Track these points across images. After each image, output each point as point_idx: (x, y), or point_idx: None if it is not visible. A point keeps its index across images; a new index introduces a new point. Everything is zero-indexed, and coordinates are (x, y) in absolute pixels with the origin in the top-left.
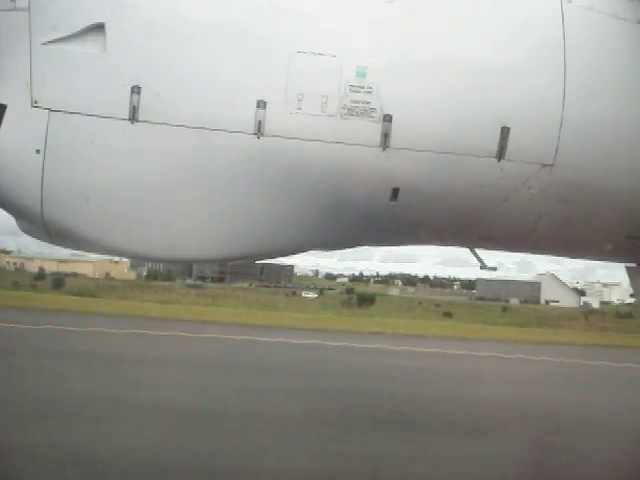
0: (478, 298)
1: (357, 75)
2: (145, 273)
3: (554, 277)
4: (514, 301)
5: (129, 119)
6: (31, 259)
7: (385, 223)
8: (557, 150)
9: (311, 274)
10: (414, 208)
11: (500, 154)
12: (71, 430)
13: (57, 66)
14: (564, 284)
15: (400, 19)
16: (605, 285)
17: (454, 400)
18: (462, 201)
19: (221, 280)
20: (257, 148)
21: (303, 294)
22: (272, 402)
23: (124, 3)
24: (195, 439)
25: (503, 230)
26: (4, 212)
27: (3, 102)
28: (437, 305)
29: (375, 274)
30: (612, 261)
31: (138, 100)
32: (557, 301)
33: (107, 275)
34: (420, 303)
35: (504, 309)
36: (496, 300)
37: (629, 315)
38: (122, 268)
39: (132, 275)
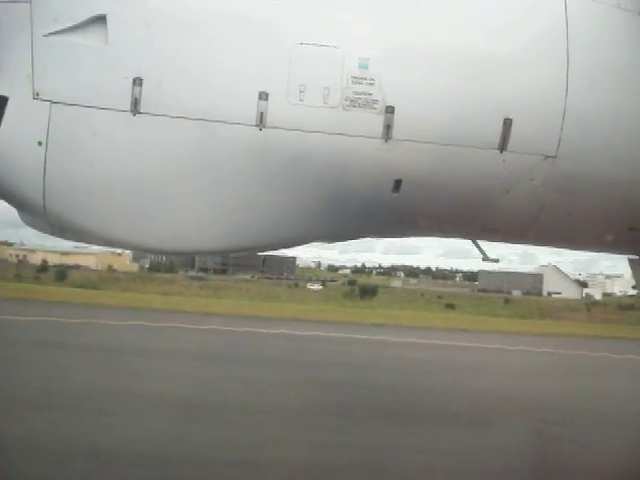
0: (480, 290)
1: (359, 67)
2: (147, 265)
3: (556, 269)
4: (516, 293)
5: (131, 111)
6: (34, 251)
7: (387, 214)
8: (560, 141)
9: (313, 266)
10: (416, 199)
11: (502, 145)
12: (74, 422)
13: (59, 58)
14: (566, 276)
15: (402, 10)
16: (607, 277)
17: (460, 392)
18: (464, 192)
19: (223, 272)
20: (259, 140)
21: (308, 286)
22: (275, 394)
23: None
24: (197, 430)
25: (505, 222)
26: (6, 204)
27: (5, 94)
28: (439, 297)
29: (377, 266)
30: (614, 253)
31: (140, 92)
32: (559, 293)
33: (110, 267)
34: (422, 295)
35: (506, 301)
36: (498, 292)
37: (631, 307)
38: (124, 260)
39: (134, 267)
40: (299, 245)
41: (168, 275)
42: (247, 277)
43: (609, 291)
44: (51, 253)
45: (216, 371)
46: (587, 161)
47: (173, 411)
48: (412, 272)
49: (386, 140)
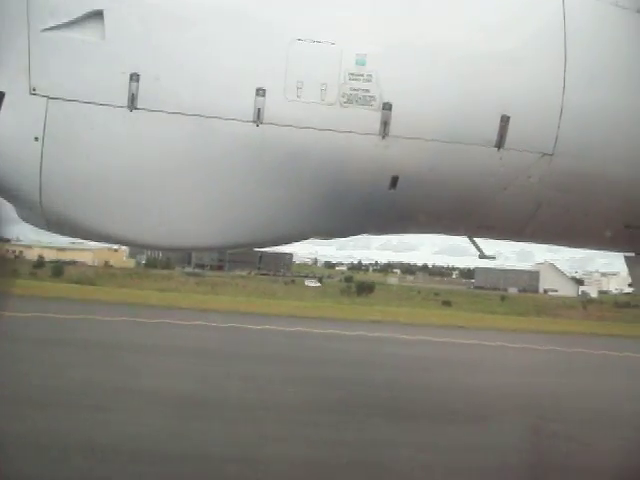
0: (477, 287)
1: (356, 63)
2: (144, 261)
3: (553, 266)
4: (512, 290)
5: (128, 106)
6: (30, 247)
7: (384, 211)
8: (557, 139)
9: (310, 262)
10: (413, 196)
11: (500, 143)
12: (72, 418)
13: (55, 53)
14: (563, 273)
15: (400, 7)
16: (603, 274)
17: (461, 389)
18: (461, 190)
19: (220, 268)
20: (256, 136)
21: (306, 282)
22: (274, 391)
23: None
24: (194, 426)
25: (502, 219)
26: (3, 200)
27: (1, 89)
28: (436, 294)
29: (374, 263)
30: (611, 250)
31: (137, 87)
32: (556, 290)
33: (106, 263)
34: (419, 292)
35: (503, 298)
36: (495, 289)
37: (627, 304)
38: (121, 256)
39: (131, 263)
40: (296, 241)
41: (165, 271)
42: (244, 273)
43: (605, 289)
44: (47, 249)
45: (213, 367)
46: (584, 158)
47: (170, 407)
48: (409, 269)
49: (383, 137)
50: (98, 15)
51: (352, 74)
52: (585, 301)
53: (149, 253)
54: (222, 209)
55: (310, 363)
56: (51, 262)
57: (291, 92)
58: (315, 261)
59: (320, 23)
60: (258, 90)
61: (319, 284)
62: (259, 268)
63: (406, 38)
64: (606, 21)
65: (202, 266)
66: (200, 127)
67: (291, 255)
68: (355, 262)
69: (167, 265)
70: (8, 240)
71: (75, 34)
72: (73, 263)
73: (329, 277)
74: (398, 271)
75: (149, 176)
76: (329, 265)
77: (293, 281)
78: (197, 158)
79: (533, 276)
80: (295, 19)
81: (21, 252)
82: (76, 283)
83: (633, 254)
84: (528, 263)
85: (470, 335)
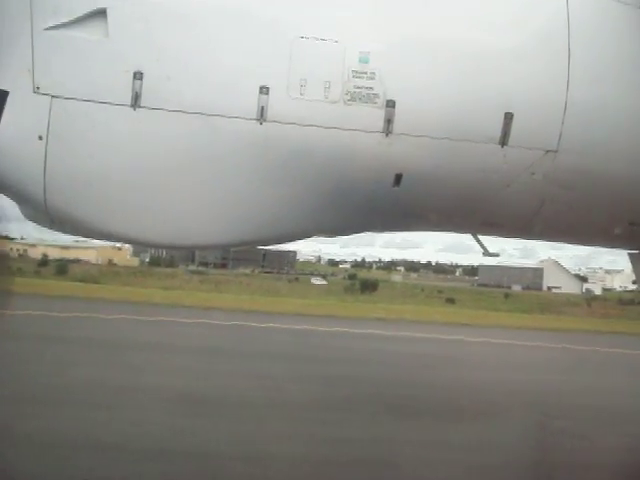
0: (480, 284)
1: (360, 61)
2: (148, 259)
3: (556, 263)
4: (516, 287)
5: (131, 105)
6: (34, 245)
7: (388, 209)
8: (561, 136)
9: (313, 260)
10: (417, 194)
11: (503, 140)
12: (77, 417)
13: (59, 52)
14: (566, 270)
15: (403, 4)
16: (607, 272)
17: (471, 387)
18: (465, 187)
19: (223, 266)
20: (260, 134)
21: (312, 281)
22: (280, 389)
23: None
24: (200, 424)
25: (506, 216)
26: (7, 198)
27: (5, 88)
28: (440, 291)
29: (377, 260)
30: (615, 248)
31: (140, 86)
32: (559, 287)
33: (110, 261)
34: (423, 289)
35: (506, 295)
36: (498, 286)
37: (631, 302)
38: (125, 254)
39: (135, 261)
40: (300, 239)
41: (168, 269)
42: (247, 271)
43: (609, 286)
44: (51, 247)
45: (219, 366)
46: (588, 155)
47: (176, 405)
48: (412, 267)
49: (387, 134)
50: (101, 14)
51: (355, 72)
52: (589, 298)
53: (153, 251)
54: (226, 207)
55: (317, 361)
56: (55, 260)
57: (294, 90)
58: (319, 259)
59: (323, 21)
60: (261, 88)
61: (325, 282)
62: (263, 266)
63: (409, 36)
64: (609, 18)
65: (206, 264)
66: (203, 125)
67: (295, 253)
68: (359, 260)
69: (171, 263)
70: (12, 238)
71: (78, 33)
72: (77, 261)
73: (333, 275)
74: (402, 269)
75: (153, 174)
76: (333, 263)
77: (297, 279)
78: (200, 156)
79: (537, 273)
80: (298, 17)
81: (25, 250)
82: (80, 281)
83: (637, 251)
84: (532, 260)
85: (475, 333)
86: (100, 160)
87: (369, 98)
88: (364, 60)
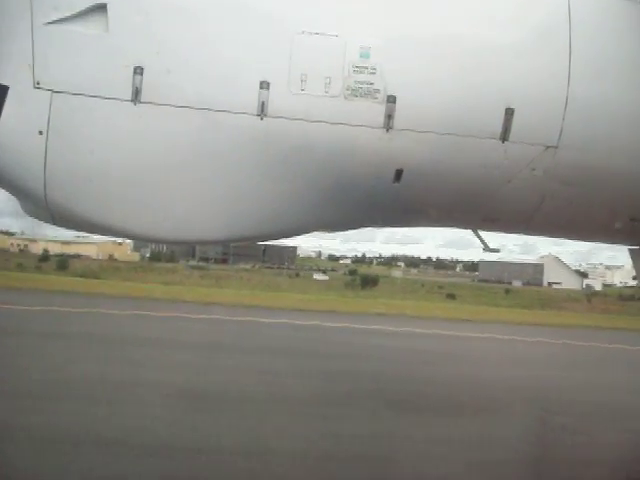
0: (481, 280)
1: (361, 56)
2: (148, 254)
3: (557, 259)
4: (517, 283)
5: (132, 100)
6: (35, 241)
7: (388, 204)
8: (561, 132)
9: (314, 255)
10: (417, 189)
11: (504, 135)
12: (77, 412)
13: (59, 47)
14: (567, 266)
15: None
16: (608, 267)
17: (477, 383)
18: (465, 182)
19: (224, 261)
20: (260, 129)
21: (314, 276)
22: (286, 385)
23: None
24: (200, 418)
25: (506, 212)
26: (7, 193)
27: (5, 83)
28: (440, 287)
29: (378, 256)
30: (615, 243)
31: (140, 81)
32: (560, 283)
33: (110, 256)
34: (423, 285)
35: (507, 291)
36: (499, 282)
37: (631, 297)
38: (125, 250)
39: (135, 256)
40: (300, 234)
41: (169, 264)
42: (248, 267)
43: (609, 282)
44: (52, 242)
45: (219, 361)
46: (589, 151)
47: (176, 400)
48: (413, 262)
49: (387, 130)
50: (102, 8)
51: (356, 67)
52: (589, 294)
53: (153, 246)
54: (226, 202)
55: (319, 356)
56: (56, 256)
57: (295, 85)
58: (319, 254)
59: (324, 15)
60: (262, 83)
61: (327, 277)
62: (263, 261)
63: (410, 31)
64: (611, 13)
65: (206, 259)
66: (204, 120)
67: (295, 248)
68: (359, 255)
69: (171, 258)
70: (13, 233)
71: (79, 27)
72: (78, 257)
73: (333, 270)
74: (402, 264)
75: (153, 169)
76: (333, 258)
77: (297, 274)
78: (201, 151)
79: (537, 269)
80: (299, 12)
81: (26, 246)
82: (81, 276)
83: (638, 247)
84: (532, 256)
85: (476, 328)
86: (100, 155)
87: (370, 93)
88: (365, 55)
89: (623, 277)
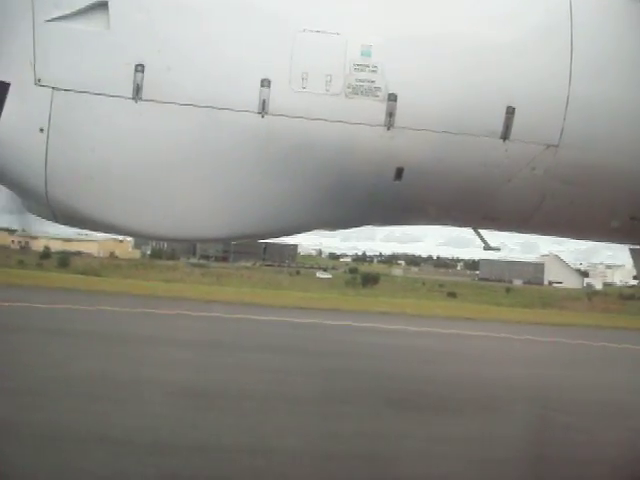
0: (481, 279)
1: (362, 54)
2: (149, 252)
3: (557, 258)
4: (517, 282)
5: (133, 97)
6: (36, 238)
7: (389, 203)
8: (562, 130)
9: (314, 254)
10: (418, 188)
11: (505, 134)
12: (80, 410)
13: (60, 44)
14: (567, 265)
15: None
16: (608, 267)
17: (481, 382)
18: (466, 181)
19: (225, 259)
20: (261, 127)
21: (317, 274)
22: (281, 383)
23: None
24: (200, 416)
25: (507, 210)
26: (8, 190)
27: (6, 80)
28: (441, 285)
29: (378, 254)
30: (616, 242)
31: (142, 78)
32: (560, 282)
33: (111, 254)
34: (424, 283)
35: (508, 290)
36: (499, 281)
37: (632, 297)
38: (126, 247)
39: (136, 254)
40: (301, 232)
41: (170, 262)
42: (248, 264)
43: (610, 281)
44: (53, 240)
45: (221, 359)
46: (590, 150)
47: (177, 398)
48: (413, 260)
49: (388, 128)
50: (103, 6)
51: (357, 65)
52: (590, 293)
53: (154, 244)
54: (227, 200)
55: (320, 355)
56: (57, 253)
57: (296, 83)
58: (320, 252)
59: (325, 14)
60: (263, 81)
61: (330, 275)
62: (264, 259)
63: (412, 29)
64: (612, 12)
65: (207, 257)
66: (205, 118)
67: (295, 246)
68: (359, 253)
69: (172, 256)
70: (14, 231)
71: (80, 25)
72: (79, 254)
73: (334, 268)
74: (403, 262)
75: (154, 167)
76: (334, 256)
77: (298, 272)
78: (202, 149)
79: (538, 268)
80: (300, 10)
81: (27, 243)
82: (82, 274)
83: (638, 246)
84: (533, 255)
85: (478, 327)
86: (101, 152)
87: (371, 91)
88: (366, 53)
89: (624, 276)
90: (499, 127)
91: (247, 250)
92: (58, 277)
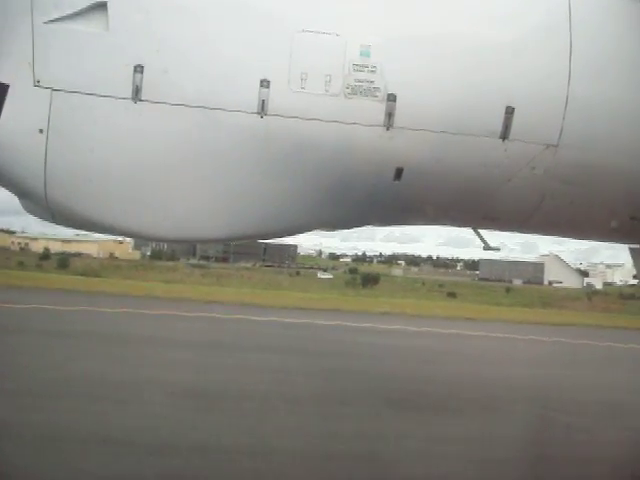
0: (481, 279)
1: (361, 54)
2: (149, 253)
3: (557, 258)
4: (517, 282)
5: (132, 98)
6: (35, 239)
7: (389, 203)
8: (562, 130)
9: (314, 254)
10: (418, 188)
11: (504, 134)
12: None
13: (59, 45)
14: (567, 265)
15: None
16: (608, 266)
17: (483, 382)
18: (466, 181)
19: (225, 260)
20: (260, 127)
21: (319, 275)
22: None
23: None
24: (209, 418)
25: (507, 210)
26: (8, 192)
27: (5, 81)
28: (441, 285)
29: (378, 254)
30: (616, 242)
31: (141, 79)
32: (560, 282)
33: (111, 255)
34: (424, 283)
35: (507, 290)
36: (499, 281)
37: (632, 296)
38: (126, 248)
39: (136, 255)
40: (301, 233)
41: (170, 263)
42: (248, 265)
43: (610, 280)
44: (53, 241)
45: (221, 359)
46: (589, 150)
47: (175, 398)
48: (413, 261)
49: (387, 128)
50: (102, 7)
51: (356, 65)
52: (590, 293)
53: (154, 245)
54: (227, 200)
55: (322, 355)
56: (57, 254)
57: (295, 83)
58: (319, 253)
59: (324, 14)
60: (262, 81)
61: (331, 276)
62: (264, 260)
63: (411, 29)
64: (611, 12)
65: (207, 258)
66: (204, 119)
67: (295, 247)
68: (359, 254)
69: (172, 257)
70: (14, 232)
71: (79, 26)
72: (78, 255)
73: (333, 268)
74: (402, 263)
75: (153, 168)
76: (333, 257)
77: (298, 272)
78: (201, 150)
79: (538, 268)
80: (299, 10)
81: (27, 244)
82: (81, 275)
83: (638, 246)
84: (533, 255)
85: (479, 327)
86: (100, 153)
87: (370, 92)
88: (365, 54)
89: (624, 276)
90: (498, 127)
91: (247, 251)
92: (58, 278)
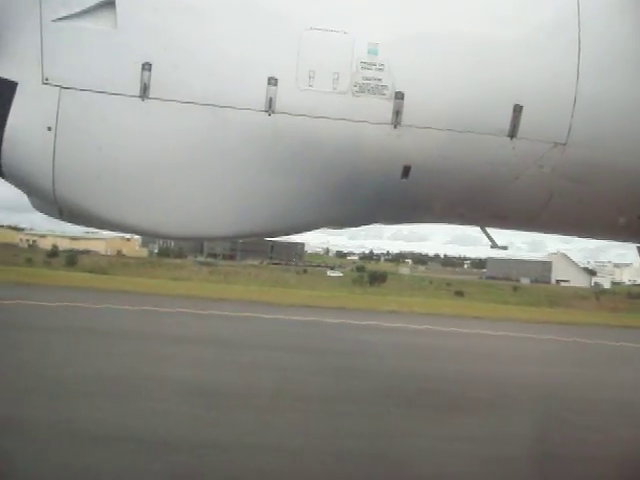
0: (489, 277)
1: (369, 52)
2: (156, 250)
3: (565, 257)
4: (525, 280)
5: (140, 96)
6: (44, 236)
7: (396, 201)
8: (570, 128)
9: (321, 252)
10: (425, 186)
11: (512, 132)
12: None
13: (68, 43)
14: (575, 264)
15: None
16: (616, 265)
17: (494, 381)
18: (473, 179)
19: (232, 258)
20: (268, 125)
21: (328, 273)
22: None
23: None
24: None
25: (514, 209)
26: (16, 189)
27: (14, 79)
28: (448, 284)
29: (385, 252)
30: (624, 241)
31: (149, 77)
32: (568, 281)
33: (119, 252)
34: (431, 282)
35: (515, 288)
36: (507, 279)
37: None
38: (134, 245)
39: (144, 252)
40: (308, 231)
41: (177, 260)
42: (255, 263)
43: (618, 280)
44: (61, 238)
45: (229, 357)
46: (597, 148)
47: (183, 396)
48: (420, 259)
49: (395, 126)
50: (110, 4)
51: (364, 63)
52: (598, 292)
53: (161, 242)
54: (234, 198)
55: (331, 353)
56: (65, 251)
57: (303, 81)
58: (327, 251)
59: (332, 12)
60: (270, 79)
61: (341, 274)
62: (271, 257)
63: (419, 27)
64: (620, 9)
65: (214, 255)
66: (212, 117)
67: (303, 245)
68: (367, 252)
69: (179, 254)
70: (22, 229)
71: (87, 24)
72: (86, 252)
73: (341, 267)
74: (410, 261)
75: (161, 165)
76: (341, 255)
77: (305, 270)
78: (209, 147)
79: (545, 266)
80: (307, 8)
81: (35, 241)
82: (89, 272)
83: None
84: (540, 253)
85: (486, 326)
86: (109, 151)
87: (378, 90)
88: (373, 51)
89: (632, 275)
90: (506, 125)
91: (254, 248)
92: (66, 275)
